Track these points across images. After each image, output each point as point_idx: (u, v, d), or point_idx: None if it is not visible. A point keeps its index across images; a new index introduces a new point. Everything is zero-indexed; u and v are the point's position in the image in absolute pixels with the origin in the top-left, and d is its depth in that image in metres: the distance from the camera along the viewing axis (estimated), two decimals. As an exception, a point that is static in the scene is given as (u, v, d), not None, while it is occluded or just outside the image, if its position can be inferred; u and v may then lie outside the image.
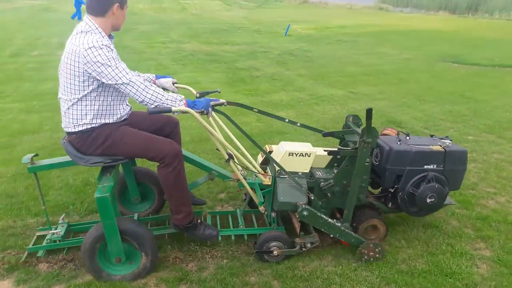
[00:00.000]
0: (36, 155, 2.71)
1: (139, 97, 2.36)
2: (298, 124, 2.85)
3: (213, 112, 2.65)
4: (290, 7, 31.51)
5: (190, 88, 3.03)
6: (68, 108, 2.44)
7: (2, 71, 9.13)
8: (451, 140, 2.86)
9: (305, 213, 2.62)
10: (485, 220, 3.34)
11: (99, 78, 2.33)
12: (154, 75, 3.01)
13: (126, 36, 14.87)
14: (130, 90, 2.34)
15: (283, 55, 11.66)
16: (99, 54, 2.26)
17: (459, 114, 6.35)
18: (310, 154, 2.76)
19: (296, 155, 2.75)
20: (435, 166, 2.72)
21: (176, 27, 18.10)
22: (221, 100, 2.66)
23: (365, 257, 2.73)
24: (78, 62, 2.30)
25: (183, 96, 2.46)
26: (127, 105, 2.66)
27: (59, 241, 2.82)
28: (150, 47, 12.62)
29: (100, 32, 2.38)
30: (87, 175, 4.02)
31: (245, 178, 2.84)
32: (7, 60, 10.34)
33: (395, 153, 2.70)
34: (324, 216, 2.66)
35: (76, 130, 2.46)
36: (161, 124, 2.83)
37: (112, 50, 2.35)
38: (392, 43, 14.00)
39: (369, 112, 2.50)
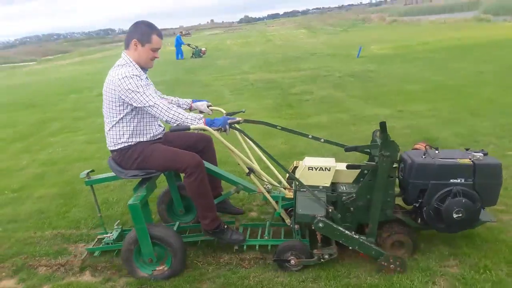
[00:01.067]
0: (92, 171, 3.21)
1: (163, 116, 2.75)
2: (322, 140, 2.93)
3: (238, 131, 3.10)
4: (378, 28, 30.99)
5: (221, 109, 3.39)
6: (109, 130, 2.91)
7: (85, 109, 10.66)
8: (486, 153, 2.70)
9: (320, 224, 2.68)
10: (469, 237, 3.04)
11: (131, 103, 2.77)
12: (191, 100, 3.45)
13: (202, 72, 16.20)
14: (155, 111, 2.75)
15: (344, 77, 11.60)
16: (130, 83, 2.72)
17: (510, 127, 5.71)
18: (330, 168, 2.80)
19: (316, 169, 2.80)
20: (463, 180, 2.60)
21: (252, 59, 19.09)
22: (237, 118, 2.89)
23: (385, 269, 2.71)
24: (114, 90, 2.77)
25: (201, 115, 2.81)
26: (159, 125, 3.09)
27: (111, 243, 3.26)
28: (217, 80, 13.53)
29: (134, 65, 2.86)
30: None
31: (269, 192, 3.05)
32: (93, 99, 12.00)
33: (417, 166, 2.64)
34: (341, 228, 2.69)
35: (117, 148, 2.93)
36: (194, 141, 3.16)
37: (141, 79, 2.79)
38: (471, 57, 12.98)
39: (382, 125, 2.51)
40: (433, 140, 5.48)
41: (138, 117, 2.89)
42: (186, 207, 3.62)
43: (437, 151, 2.75)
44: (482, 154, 2.66)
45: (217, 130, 2.74)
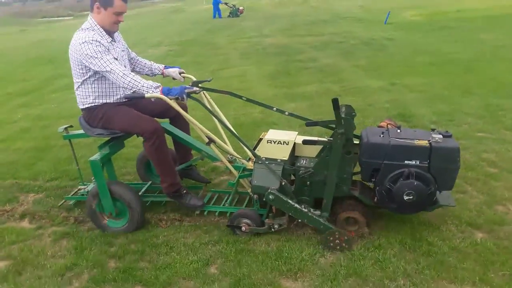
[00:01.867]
0: (71, 126, 3.32)
1: (119, 82, 2.80)
2: (286, 113, 2.92)
3: (210, 99, 3.21)
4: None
5: (192, 77, 3.34)
6: (77, 89, 3.02)
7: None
8: (449, 135, 2.61)
9: (271, 197, 2.73)
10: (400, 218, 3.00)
11: (90, 67, 2.85)
12: (163, 66, 3.45)
13: (223, 33, 16.09)
14: (112, 77, 2.81)
15: (358, 45, 11.19)
16: (88, 48, 2.78)
17: (496, 108, 5.41)
18: (288, 142, 2.83)
19: (275, 142, 2.83)
20: (417, 162, 2.53)
21: (278, 22, 18.67)
22: (195, 88, 2.91)
23: (331, 244, 2.71)
24: (75, 53, 2.85)
25: (159, 84, 2.80)
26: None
27: (85, 195, 3.45)
28: (232, 42, 13.43)
29: (98, 29, 2.90)
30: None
31: (232, 162, 3.12)
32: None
33: (371, 145, 2.60)
34: (291, 201, 2.73)
35: (84, 107, 3.05)
36: (167, 108, 3.05)
37: (101, 45, 2.83)
38: (505, 28, 12.09)
39: (335, 102, 2.48)
40: (408, 116, 5.32)
41: (103, 79, 2.95)
42: None
43: (398, 130, 2.69)
44: (442, 136, 2.57)
45: (174, 99, 2.76)
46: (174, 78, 3.39)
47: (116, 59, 2.94)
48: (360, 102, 6.15)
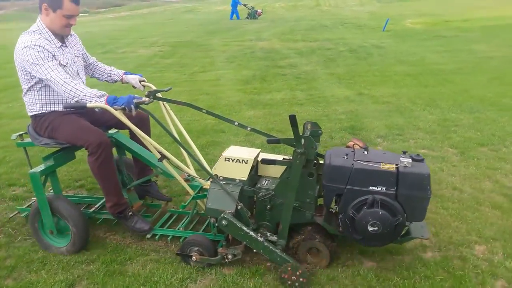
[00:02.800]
0: (26, 133, 2.99)
1: (59, 90, 2.58)
2: (248, 128, 2.59)
3: (168, 109, 2.98)
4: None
5: (152, 86, 3.06)
6: (24, 95, 2.80)
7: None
8: (420, 159, 2.32)
9: (224, 222, 2.44)
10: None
11: (32, 73, 2.63)
12: (123, 72, 3.19)
13: (222, 35, 16.05)
14: (52, 85, 2.60)
15: (344, 52, 11.00)
16: (29, 54, 2.56)
17: (451, 124, 5.18)
18: (247, 161, 2.56)
19: (233, 160, 2.58)
20: (383, 189, 2.25)
21: (282, 25, 18.66)
22: (144, 98, 2.64)
23: (288, 282, 2.40)
24: (18, 58, 2.63)
25: (104, 93, 2.57)
26: None
27: None
28: (225, 45, 13.36)
29: (46, 32, 2.66)
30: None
31: (187, 180, 2.84)
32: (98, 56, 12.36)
33: (332, 168, 2.34)
34: (245, 229, 2.44)
35: (31, 114, 2.82)
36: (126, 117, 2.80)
37: (44, 50, 2.58)
38: (499, 39, 11.74)
39: (292, 119, 2.23)
40: (358, 129, 5.14)
41: (49, 87, 2.72)
42: (123, 183, 3.29)
43: (365, 152, 2.42)
44: (411, 160, 2.28)
45: (121, 109, 2.54)
46: (134, 86, 3.12)
47: (65, 65, 2.73)
48: (318, 112, 5.99)
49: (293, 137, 2.33)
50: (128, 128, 2.78)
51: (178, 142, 2.69)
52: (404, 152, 2.37)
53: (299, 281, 2.35)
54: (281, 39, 14.33)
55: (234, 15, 22.83)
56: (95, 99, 2.53)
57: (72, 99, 2.56)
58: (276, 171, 2.64)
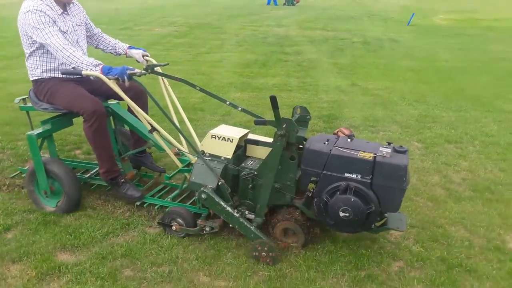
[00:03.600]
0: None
1: (57, 56, 2.67)
2: (239, 108, 2.63)
3: (167, 85, 3.05)
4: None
5: (153, 61, 3.13)
6: (26, 60, 2.90)
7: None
8: (403, 151, 2.31)
9: (203, 196, 2.54)
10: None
11: (33, 38, 2.71)
12: (127, 46, 3.24)
13: (242, 19, 16.08)
14: (52, 50, 2.67)
15: (357, 43, 10.84)
16: (31, 18, 2.65)
17: (429, 120, 5.11)
18: (232, 139, 2.61)
19: (219, 138, 2.64)
20: (359, 177, 2.27)
21: (309, 12, 18.52)
22: (137, 70, 2.67)
23: (256, 254, 2.48)
24: (21, 22, 2.73)
25: (99, 62, 2.65)
26: None
27: None
28: (241, 29, 13.37)
29: None
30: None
31: (177, 154, 2.94)
32: (117, 32, 12.72)
33: (310, 152, 2.38)
34: (223, 203, 2.52)
35: (33, 79, 2.92)
36: (121, 89, 2.81)
37: (46, 15, 2.68)
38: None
39: (273, 100, 2.24)
40: (334, 118, 5.13)
41: (51, 53, 2.81)
42: (119, 152, 3.39)
43: (348, 140, 2.45)
44: (391, 151, 2.28)
45: (114, 79, 2.61)
46: (137, 61, 3.18)
47: (65, 32, 2.81)
48: (302, 99, 6.02)
49: (272, 120, 2.37)
50: (136, 96, 2.87)
51: (167, 116, 2.71)
52: (389, 143, 2.40)
53: (269, 255, 2.43)
54: (300, 26, 14.22)
55: (272, 1, 22.59)
56: (91, 67, 2.61)
57: (69, 65, 2.65)
58: (263, 153, 2.64)
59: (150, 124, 2.73)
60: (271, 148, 2.47)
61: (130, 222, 2.89)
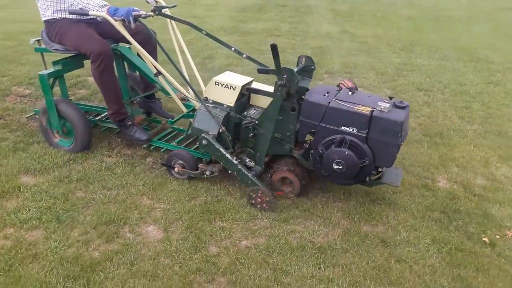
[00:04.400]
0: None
1: None
2: (244, 55, 2.54)
3: (175, 28, 2.93)
4: None
5: (163, 2, 3.00)
6: (37, 1, 2.89)
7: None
8: (403, 106, 2.26)
9: (204, 142, 2.55)
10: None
11: None
12: None
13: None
14: None
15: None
16: None
17: (409, 68, 5.10)
18: (235, 87, 2.56)
19: (222, 85, 2.59)
20: (355, 130, 2.25)
21: None
22: (142, 12, 2.61)
23: (253, 201, 2.51)
24: None
25: (106, 3, 2.64)
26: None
27: None
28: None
29: None
30: None
31: (183, 100, 2.93)
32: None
33: (309, 104, 2.36)
34: (223, 150, 2.53)
35: (44, 19, 2.91)
36: (132, 32, 2.78)
37: None
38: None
39: (273, 48, 2.15)
40: (358, 65, 5.18)
41: None
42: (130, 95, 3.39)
43: (350, 93, 2.40)
44: (388, 105, 2.22)
45: (120, 21, 2.57)
46: (147, 1, 3.04)
47: None
48: (288, 45, 6.02)
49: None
50: (145, 40, 2.83)
51: (171, 60, 2.63)
52: (391, 98, 2.35)
53: (265, 201, 2.45)
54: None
55: None
56: (97, 8, 2.61)
57: (77, 6, 2.66)
58: (267, 103, 2.57)
59: (155, 67, 2.71)
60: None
61: (91, 151, 3.12)
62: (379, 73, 4.95)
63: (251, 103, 2.76)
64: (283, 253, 2.11)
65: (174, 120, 2.99)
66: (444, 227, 2.35)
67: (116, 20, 2.57)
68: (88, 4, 2.65)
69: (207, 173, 2.71)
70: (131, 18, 2.54)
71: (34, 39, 3.08)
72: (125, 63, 3.28)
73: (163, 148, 3.07)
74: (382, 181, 2.44)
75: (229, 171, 2.60)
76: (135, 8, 2.61)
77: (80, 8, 2.65)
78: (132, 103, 3.28)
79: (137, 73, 3.37)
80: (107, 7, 2.60)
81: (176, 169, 2.76)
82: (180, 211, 2.44)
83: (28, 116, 3.54)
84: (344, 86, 2.54)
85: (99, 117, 3.38)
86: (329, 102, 2.30)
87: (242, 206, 2.52)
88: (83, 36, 2.83)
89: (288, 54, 5.54)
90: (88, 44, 2.78)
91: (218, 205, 2.52)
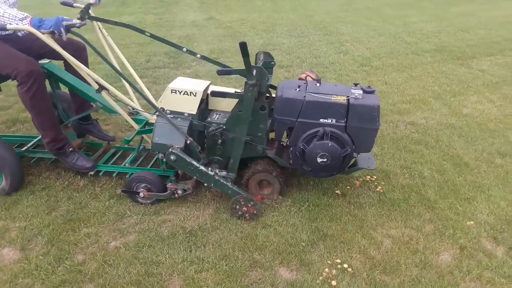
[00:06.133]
0: None
1: None
2: (198, 55, 2.42)
3: (106, 35, 2.56)
4: None
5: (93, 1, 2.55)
6: None
7: None
8: (371, 91, 2.27)
9: (172, 157, 2.32)
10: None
11: None
12: None
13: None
14: None
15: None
16: None
17: (270, 48, 5.39)
18: (196, 93, 2.37)
19: (181, 93, 2.39)
20: (333, 121, 2.23)
21: None
22: (75, 20, 2.27)
23: (238, 212, 2.35)
24: None
25: (27, 14, 2.24)
26: None
27: None
28: None
29: None
30: None
31: (131, 114, 2.62)
32: None
33: (284, 101, 2.25)
34: (195, 163, 2.34)
35: None
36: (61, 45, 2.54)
37: None
38: None
39: (242, 47, 2.03)
40: (179, 53, 5.19)
41: None
42: (59, 119, 2.96)
43: (317, 84, 2.35)
44: (362, 92, 2.24)
45: (49, 33, 2.20)
46: (73, 5, 2.63)
47: None
48: (231, 30, 5.96)
49: (239, 69, 2.21)
50: (61, 56, 2.42)
51: (118, 72, 2.40)
52: (356, 84, 2.35)
53: (249, 212, 2.33)
54: None
55: None
56: (17, 20, 2.19)
57: None
58: (228, 105, 2.49)
59: (97, 82, 2.39)
60: (235, 100, 2.36)
61: None
62: (291, 47, 5.18)
63: (210, 107, 2.58)
64: (153, 245, 2.10)
65: (130, 138, 2.63)
66: (303, 188, 2.54)
67: (43, 33, 2.19)
68: (2, 16, 2.22)
69: (179, 192, 2.48)
70: (62, 29, 2.18)
71: None
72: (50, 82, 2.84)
73: (114, 172, 2.71)
74: (359, 166, 2.43)
75: (205, 184, 2.40)
76: (64, 17, 2.25)
77: None
78: (66, 126, 2.86)
79: (65, 92, 2.96)
80: (28, 19, 2.21)
81: (141, 194, 2.47)
82: (38, 226, 2.27)
83: None
84: (309, 78, 2.50)
85: (25, 147, 2.88)
86: (304, 97, 2.24)
87: (109, 208, 2.43)
88: (4, 55, 2.40)
89: (152, 46, 5.42)
90: (12, 64, 2.35)
91: (82, 212, 2.40)
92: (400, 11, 7.74)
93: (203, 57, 2.44)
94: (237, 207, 2.32)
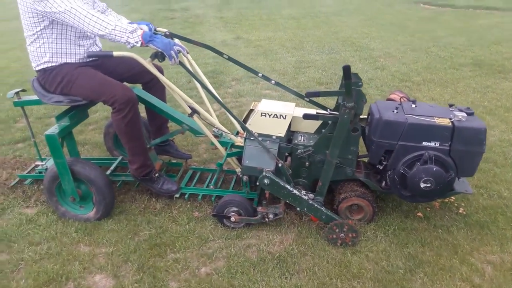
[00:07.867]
0: (24, 90, 2.68)
1: (82, 25, 2.14)
2: (273, 81, 2.42)
3: (191, 60, 2.55)
4: None
5: (163, 30, 2.67)
6: (29, 45, 2.41)
7: None
8: (471, 113, 2.20)
9: (266, 181, 2.31)
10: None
11: (44, 11, 2.19)
12: (134, 23, 2.63)
13: None
14: (71, 18, 2.15)
15: None
16: None
17: (305, 65, 5.42)
18: (286, 116, 2.37)
19: (270, 116, 2.40)
20: (437, 144, 2.15)
21: None
22: (185, 48, 2.33)
23: (334, 236, 2.28)
24: None
25: (136, 26, 2.17)
26: (94, 45, 2.55)
27: (44, 172, 2.80)
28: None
29: None
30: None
31: (217, 137, 2.64)
32: None
33: (384, 123, 2.18)
34: (289, 187, 2.30)
35: (40, 68, 2.44)
36: (139, 70, 2.55)
37: None
38: None
39: (346, 70, 2.00)
40: (217, 72, 5.18)
41: (63, 33, 2.35)
42: None
43: (413, 105, 2.30)
44: (466, 114, 2.18)
45: (151, 60, 2.19)
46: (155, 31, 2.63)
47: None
48: (261, 49, 5.99)
49: (333, 91, 2.22)
50: (139, 80, 2.50)
51: (217, 99, 2.37)
52: (451, 105, 2.31)
53: (349, 236, 2.26)
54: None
55: None
56: (127, 34, 2.11)
57: (97, 32, 2.13)
58: (309, 126, 2.50)
59: (190, 106, 2.43)
60: (318, 121, 2.37)
61: (6, 206, 2.73)
62: (281, 73, 5.18)
63: (292, 129, 2.57)
64: (246, 271, 2.08)
65: (222, 162, 2.63)
66: (383, 211, 2.53)
67: (146, 60, 2.18)
68: (114, 30, 2.10)
69: (270, 216, 2.44)
70: (172, 52, 2.13)
71: (13, 92, 2.62)
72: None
73: (199, 194, 2.74)
74: (457, 190, 2.34)
75: (298, 209, 2.36)
76: (178, 43, 2.24)
77: (101, 35, 2.14)
78: (149, 149, 2.87)
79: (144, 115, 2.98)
80: (140, 33, 2.10)
81: (232, 219, 2.45)
82: (126, 252, 2.27)
83: (13, 184, 2.93)
84: (404, 99, 2.44)
85: (108, 170, 2.91)
86: (406, 119, 2.18)
87: (191, 232, 2.43)
88: (99, 82, 2.40)
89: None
90: (110, 91, 2.35)
91: (164, 236, 2.40)
92: (423, 25, 7.82)
93: (277, 84, 2.45)
94: (334, 236, 2.26)
